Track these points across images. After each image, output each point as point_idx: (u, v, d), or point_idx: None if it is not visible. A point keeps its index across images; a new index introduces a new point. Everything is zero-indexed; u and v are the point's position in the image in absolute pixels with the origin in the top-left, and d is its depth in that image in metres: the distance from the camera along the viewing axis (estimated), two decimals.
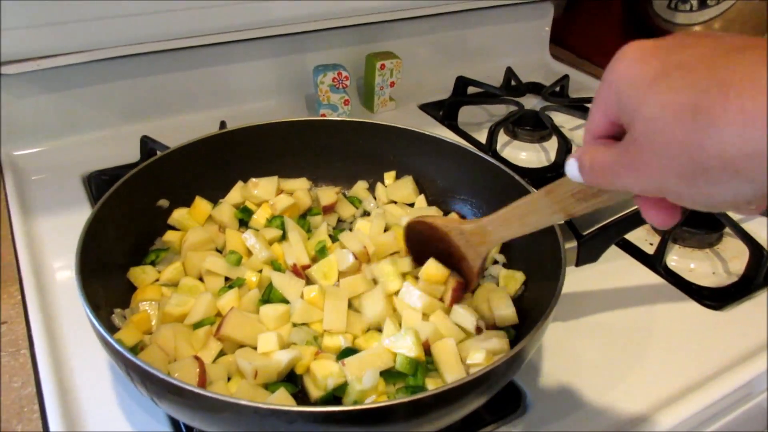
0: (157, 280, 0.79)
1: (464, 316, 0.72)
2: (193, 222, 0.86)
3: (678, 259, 0.96)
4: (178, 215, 0.86)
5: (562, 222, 0.74)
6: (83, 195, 1.02)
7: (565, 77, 1.40)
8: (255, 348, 0.69)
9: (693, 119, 0.34)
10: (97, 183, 1.04)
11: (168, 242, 0.83)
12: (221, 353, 0.70)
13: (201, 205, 0.87)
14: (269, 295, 0.75)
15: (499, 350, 0.68)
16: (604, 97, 0.42)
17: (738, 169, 0.33)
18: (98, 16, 1.01)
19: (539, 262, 0.76)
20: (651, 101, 0.36)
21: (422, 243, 0.78)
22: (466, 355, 0.68)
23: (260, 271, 0.79)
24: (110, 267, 0.76)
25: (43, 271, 0.87)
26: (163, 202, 0.86)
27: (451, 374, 0.66)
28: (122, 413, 0.68)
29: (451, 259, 0.75)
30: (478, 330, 0.71)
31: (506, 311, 0.73)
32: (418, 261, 0.79)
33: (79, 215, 0.97)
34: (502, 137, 1.24)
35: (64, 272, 0.87)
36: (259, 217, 0.87)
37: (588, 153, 0.44)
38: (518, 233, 0.67)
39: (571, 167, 0.47)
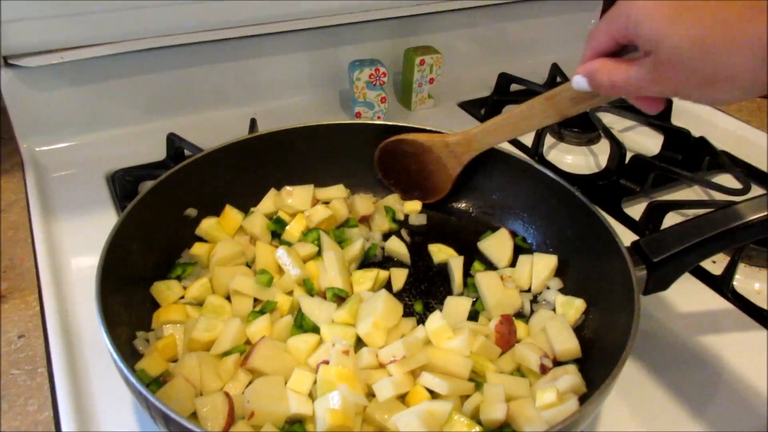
0: (182, 297, 0.73)
1: (527, 355, 0.65)
2: (222, 233, 0.80)
3: (741, 278, 0.89)
4: (207, 225, 0.80)
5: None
6: (107, 194, 0.97)
7: None
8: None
9: (704, 49, 0.48)
10: (121, 183, 0.98)
11: (195, 255, 0.77)
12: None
13: (231, 214, 0.81)
14: (302, 321, 0.69)
15: (571, 389, 0.60)
16: (618, 24, 0.53)
17: (734, 81, 0.48)
18: (122, 6, 0.96)
19: (603, 289, 0.69)
20: (672, 34, 0.49)
21: (395, 162, 0.86)
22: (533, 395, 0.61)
23: (291, 293, 0.73)
24: (133, 282, 0.70)
25: (64, 278, 0.82)
26: (191, 211, 0.80)
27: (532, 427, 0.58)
28: None
29: (424, 173, 0.84)
30: (543, 369, 0.64)
31: (569, 345, 0.66)
32: (389, 178, 0.89)
33: (102, 216, 0.92)
34: (547, 139, 1.16)
35: (85, 281, 0.81)
36: (293, 229, 0.80)
37: (603, 71, 0.56)
38: (506, 138, 0.76)
39: (581, 82, 0.59)
